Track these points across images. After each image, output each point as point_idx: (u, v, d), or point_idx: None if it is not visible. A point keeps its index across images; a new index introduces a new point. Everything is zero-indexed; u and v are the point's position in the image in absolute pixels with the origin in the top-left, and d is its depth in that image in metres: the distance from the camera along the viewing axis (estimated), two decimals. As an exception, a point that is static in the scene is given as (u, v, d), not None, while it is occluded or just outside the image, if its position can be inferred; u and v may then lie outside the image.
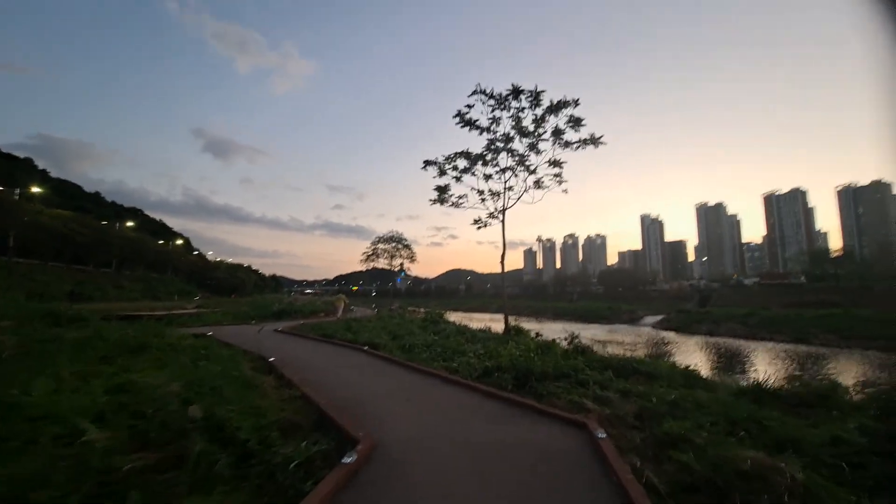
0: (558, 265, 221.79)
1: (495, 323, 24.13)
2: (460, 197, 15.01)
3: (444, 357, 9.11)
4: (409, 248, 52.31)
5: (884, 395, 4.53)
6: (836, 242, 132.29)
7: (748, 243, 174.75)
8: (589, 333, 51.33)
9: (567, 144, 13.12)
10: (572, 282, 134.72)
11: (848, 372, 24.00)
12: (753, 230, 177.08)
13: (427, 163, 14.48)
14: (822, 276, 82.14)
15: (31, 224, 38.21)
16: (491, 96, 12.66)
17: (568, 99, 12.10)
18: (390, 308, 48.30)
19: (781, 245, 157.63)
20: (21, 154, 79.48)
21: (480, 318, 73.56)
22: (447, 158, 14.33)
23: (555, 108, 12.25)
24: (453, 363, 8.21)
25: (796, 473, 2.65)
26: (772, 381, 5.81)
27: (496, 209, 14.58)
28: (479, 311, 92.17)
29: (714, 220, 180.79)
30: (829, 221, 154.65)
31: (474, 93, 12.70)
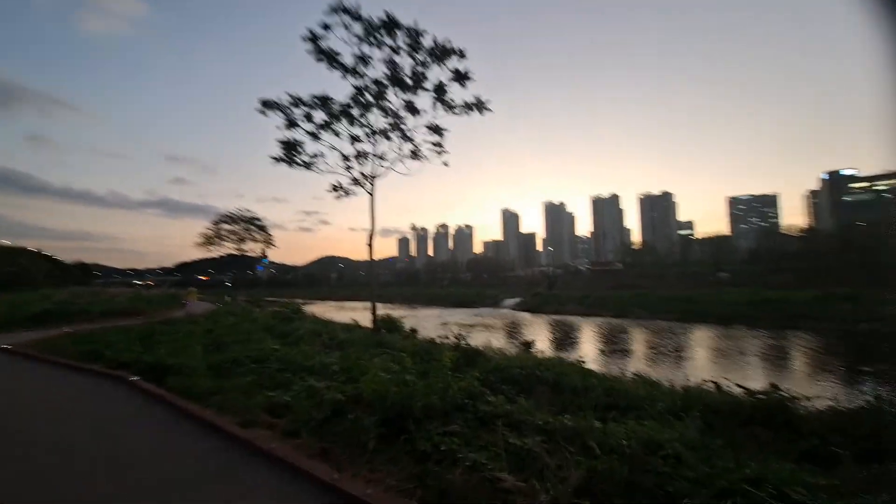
0: (430, 253, 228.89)
1: (366, 313, 21.51)
2: (315, 155, 11.56)
3: (277, 381, 6.03)
4: (265, 231, 44.67)
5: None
6: (638, 237, 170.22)
7: (580, 237, 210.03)
8: (458, 317, 53.05)
9: (451, 107, 11.11)
10: (443, 269, 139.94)
11: (674, 339, 29.66)
12: (584, 226, 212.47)
13: (266, 104, 10.48)
14: (633, 263, 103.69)
15: None
16: (358, 17, 9.59)
17: (453, 46, 10.03)
18: (235, 301, 40.65)
19: (603, 238, 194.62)
20: None
21: (353, 308, 69.63)
22: (295, 101, 10.60)
23: (439, 55, 9.99)
24: (287, 394, 5.25)
25: None
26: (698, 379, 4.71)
27: (363, 175, 11.68)
28: (352, 300, 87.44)
29: (556, 216, 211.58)
30: (633, 221, 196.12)
31: (334, 10, 9.45)
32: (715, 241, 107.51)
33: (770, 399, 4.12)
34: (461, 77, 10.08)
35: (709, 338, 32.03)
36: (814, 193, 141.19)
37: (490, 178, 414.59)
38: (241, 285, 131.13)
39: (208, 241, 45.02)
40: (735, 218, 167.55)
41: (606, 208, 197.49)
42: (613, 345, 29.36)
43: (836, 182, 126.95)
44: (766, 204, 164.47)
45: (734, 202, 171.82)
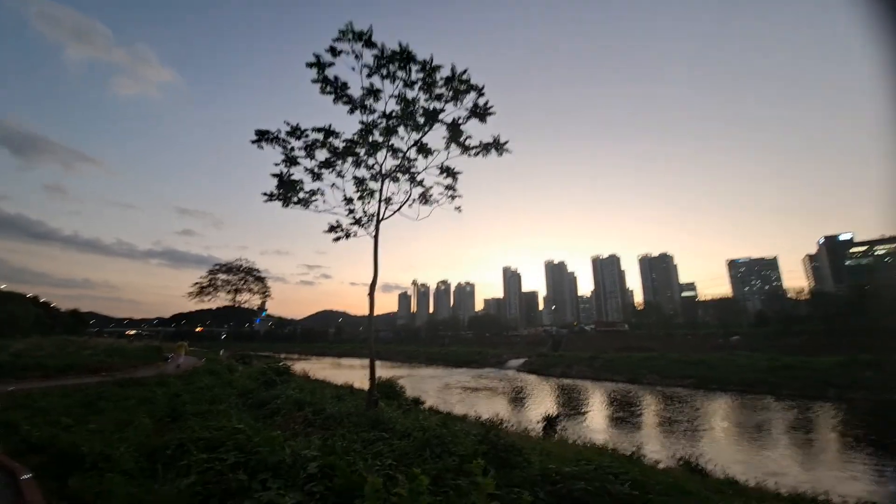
0: (431, 310, 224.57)
1: (364, 371, 19.23)
2: (312, 193, 10.40)
3: (226, 487, 4.16)
4: (262, 281, 43.00)
5: None
6: (638, 297, 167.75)
7: (582, 296, 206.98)
8: (461, 379, 49.48)
9: (467, 147, 10.17)
10: (444, 327, 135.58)
11: (708, 412, 26.45)
12: (585, 285, 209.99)
13: (262, 136, 9.44)
14: (638, 324, 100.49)
15: None
16: (370, 43, 8.59)
17: (472, 81, 9.23)
18: (223, 356, 38.13)
19: (604, 298, 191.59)
20: None
21: (350, 365, 65.91)
22: (293, 131, 9.55)
23: (458, 90, 9.13)
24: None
25: None
26: None
27: (366, 214, 10.41)
28: (350, 357, 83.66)
29: (558, 275, 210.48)
30: (634, 281, 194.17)
31: (342, 36, 8.52)
32: (721, 304, 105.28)
33: None
34: (480, 112, 9.19)
35: (744, 410, 29.02)
36: (812, 257, 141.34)
37: (491, 236, 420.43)
38: (237, 338, 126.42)
39: (202, 290, 43.41)
40: (737, 280, 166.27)
41: (607, 268, 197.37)
42: (643, 418, 26.20)
43: (834, 246, 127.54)
44: (767, 267, 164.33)
45: (734, 265, 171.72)
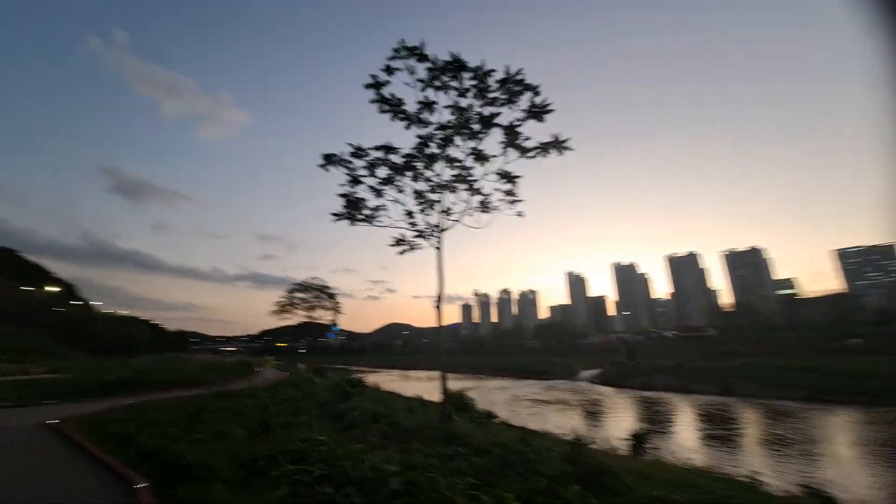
0: (494, 319, 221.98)
1: (432, 383, 19.28)
2: (375, 209, 10.72)
3: (314, 499, 4.23)
4: (333, 298, 45.80)
5: None
6: (725, 298, 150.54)
7: (657, 299, 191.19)
8: (530, 391, 47.77)
9: (524, 150, 9.87)
10: (509, 336, 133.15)
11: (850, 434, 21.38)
12: (660, 287, 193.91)
13: (329, 159, 10.05)
14: (726, 328, 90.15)
15: None
16: (421, 56, 8.85)
17: (527, 81, 8.96)
18: (303, 369, 40.76)
19: (683, 301, 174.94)
20: None
21: (417, 377, 66.96)
22: (356, 151, 9.96)
23: (513, 91, 8.93)
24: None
25: None
26: None
27: (428, 226, 10.47)
28: (416, 368, 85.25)
29: (627, 278, 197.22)
30: (719, 280, 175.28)
31: (397, 54, 8.92)
32: (830, 301, 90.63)
33: None
34: (538, 111, 8.88)
35: (874, 426, 24.13)
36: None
37: (550, 240, 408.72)
38: (313, 352, 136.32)
39: (282, 308, 47.17)
40: (849, 273, 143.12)
41: (685, 268, 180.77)
42: (747, 436, 22.46)
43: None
44: (885, 255, 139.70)
45: (843, 256, 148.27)
